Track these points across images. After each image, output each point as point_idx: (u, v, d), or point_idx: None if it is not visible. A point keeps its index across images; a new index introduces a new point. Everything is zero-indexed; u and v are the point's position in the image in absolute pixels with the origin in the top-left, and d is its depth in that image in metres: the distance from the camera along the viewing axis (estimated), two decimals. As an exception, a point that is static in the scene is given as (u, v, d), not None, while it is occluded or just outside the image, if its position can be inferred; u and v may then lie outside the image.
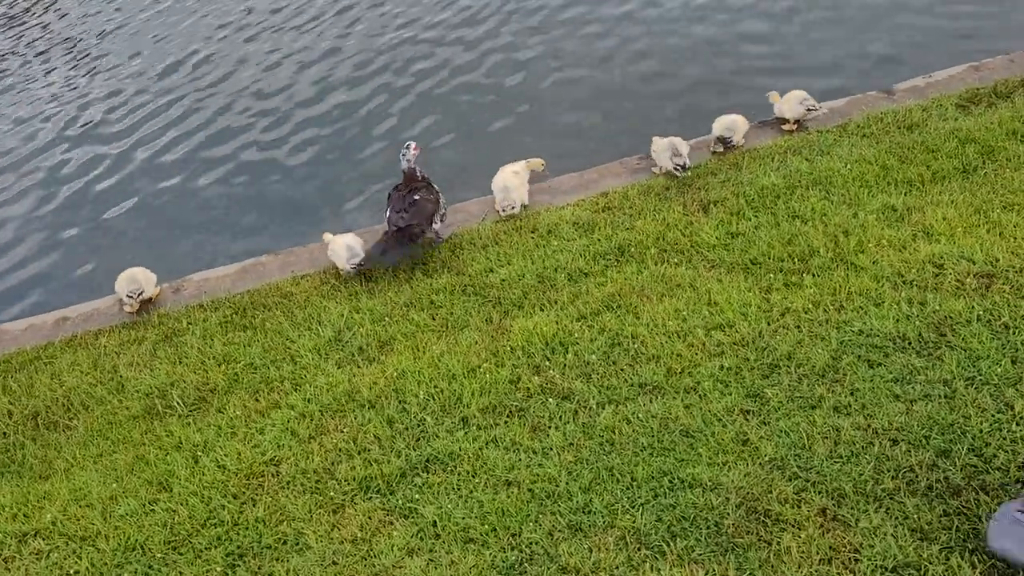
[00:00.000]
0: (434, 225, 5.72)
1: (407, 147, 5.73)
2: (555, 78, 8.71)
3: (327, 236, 5.85)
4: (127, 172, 8.54)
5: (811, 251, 4.86)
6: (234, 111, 9.16)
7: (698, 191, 5.83)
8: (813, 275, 4.66)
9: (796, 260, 4.82)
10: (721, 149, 6.24)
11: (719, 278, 4.86)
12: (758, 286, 4.68)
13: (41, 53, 11.66)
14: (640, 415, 3.88)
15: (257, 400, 4.68)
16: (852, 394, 3.75)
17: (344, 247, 5.62)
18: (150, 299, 5.77)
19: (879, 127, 6.10)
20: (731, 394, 3.89)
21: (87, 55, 11.32)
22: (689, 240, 5.28)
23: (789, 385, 3.88)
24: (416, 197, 5.63)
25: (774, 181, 5.69)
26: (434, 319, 5.07)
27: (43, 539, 3.99)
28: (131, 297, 5.61)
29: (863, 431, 3.54)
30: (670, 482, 3.48)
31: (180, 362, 5.15)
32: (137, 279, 5.68)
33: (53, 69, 11.13)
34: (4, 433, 4.84)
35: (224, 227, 7.53)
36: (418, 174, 5.73)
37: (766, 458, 3.50)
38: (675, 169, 5.99)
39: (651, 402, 3.97)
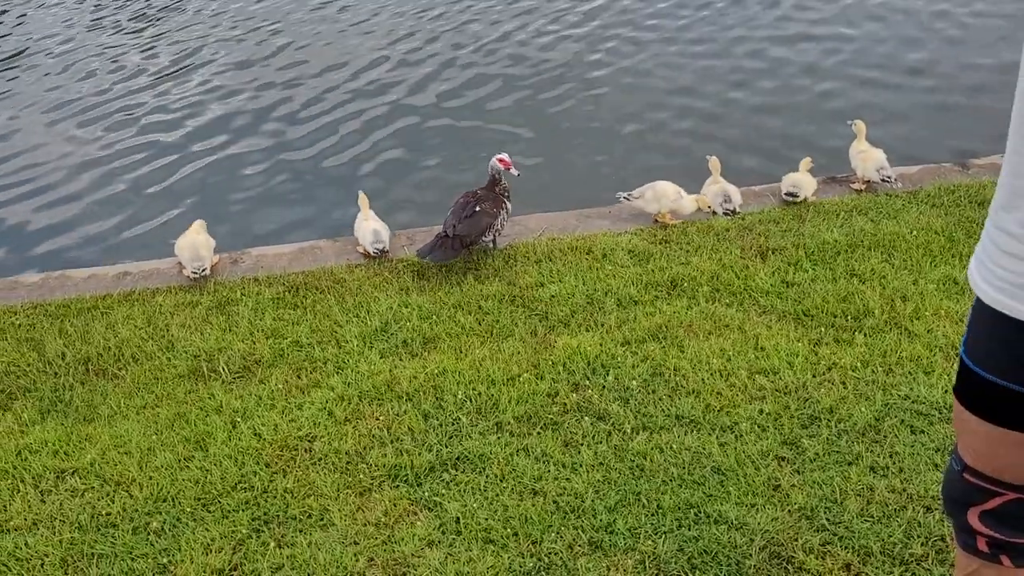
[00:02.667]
0: (485, 238, 5.80)
1: (496, 158, 5.89)
2: (646, 101, 8.78)
3: (360, 216, 6.09)
4: (205, 137, 8.78)
5: (866, 311, 4.84)
6: (327, 93, 9.36)
7: (758, 237, 5.83)
8: (865, 334, 4.64)
9: (849, 318, 4.80)
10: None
11: (769, 324, 4.86)
12: (808, 337, 4.67)
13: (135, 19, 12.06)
14: (674, 446, 3.89)
15: (299, 377, 4.78)
16: (891, 456, 3.72)
17: (371, 231, 5.91)
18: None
19: (950, 199, 6.05)
20: (768, 439, 3.89)
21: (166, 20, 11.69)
22: (743, 283, 5.29)
23: (827, 438, 3.86)
24: (477, 208, 5.73)
25: (836, 237, 5.67)
26: (480, 324, 5.14)
27: (80, 478, 4.11)
28: (195, 273, 5.78)
29: (898, 494, 3.51)
30: (696, 515, 3.48)
31: (230, 330, 5.28)
32: (201, 255, 5.84)
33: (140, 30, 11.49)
34: (56, 373, 5.00)
35: (286, 205, 7.71)
36: (502, 182, 5.88)
37: (796, 506, 3.49)
38: (725, 214, 6.09)
39: (686, 435, 3.98)
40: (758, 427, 3.97)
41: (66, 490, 4.06)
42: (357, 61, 10.01)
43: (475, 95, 9.17)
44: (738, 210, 6.14)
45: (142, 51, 10.86)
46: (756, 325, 4.85)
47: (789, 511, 3.47)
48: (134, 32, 11.54)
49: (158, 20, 11.80)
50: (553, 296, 5.31)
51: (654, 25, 10.35)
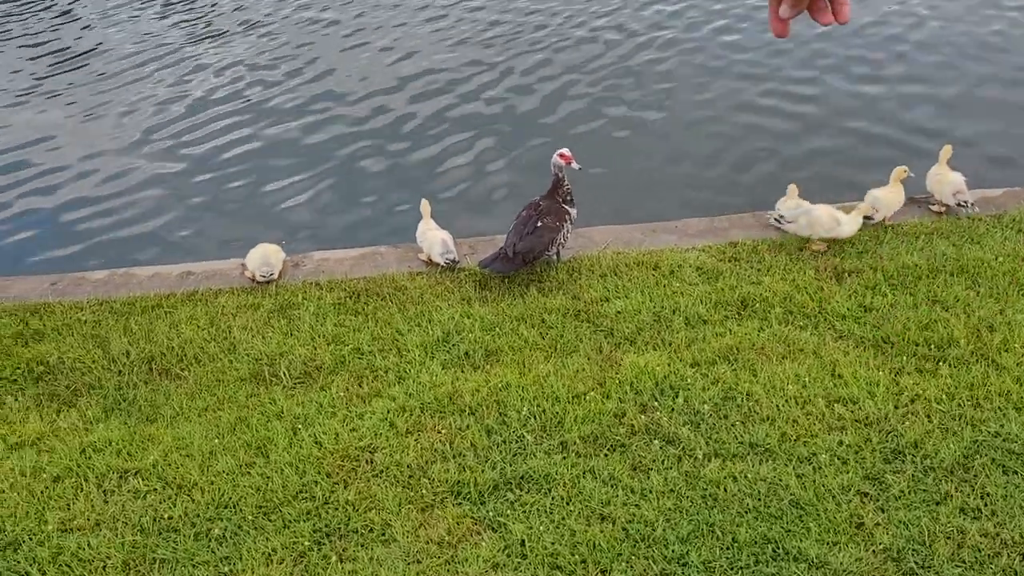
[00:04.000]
0: (548, 252, 5.69)
1: (557, 154, 5.75)
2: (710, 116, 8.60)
3: (423, 224, 6.03)
4: (268, 140, 8.83)
5: (950, 340, 4.62)
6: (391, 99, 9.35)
7: (833, 257, 5.63)
8: (950, 365, 4.43)
9: (932, 347, 4.59)
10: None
11: (846, 350, 4.67)
12: (888, 366, 4.47)
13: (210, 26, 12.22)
14: (748, 475, 3.74)
15: (360, 385, 4.72)
16: (982, 498, 3.52)
17: (440, 241, 5.85)
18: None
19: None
20: (849, 473, 3.71)
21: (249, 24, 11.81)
22: (818, 306, 5.10)
23: (913, 475, 3.67)
24: (539, 224, 5.62)
25: (916, 261, 5.45)
26: (543, 338, 5.03)
27: (142, 479, 4.10)
28: (263, 277, 5.78)
29: (991, 539, 3.32)
30: (774, 551, 3.33)
31: (291, 335, 5.25)
32: (270, 261, 5.85)
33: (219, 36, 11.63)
34: (120, 372, 5.02)
35: (347, 210, 7.69)
36: (565, 185, 5.74)
37: (881, 547, 3.31)
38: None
39: (761, 464, 3.82)
40: (838, 459, 3.80)
41: (128, 491, 4.04)
42: (416, 66, 10.00)
43: (539, 101, 9.07)
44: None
45: (212, 52, 10.99)
46: (832, 350, 4.66)
47: (874, 551, 3.29)
48: (203, 37, 11.70)
49: (228, 24, 11.94)
50: (619, 312, 5.18)
51: (729, 42, 10.14)
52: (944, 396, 4.17)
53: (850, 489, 3.61)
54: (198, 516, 3.81)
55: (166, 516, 3.84)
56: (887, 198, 5.93)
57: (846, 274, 5.41)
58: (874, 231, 5.95)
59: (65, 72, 10.81)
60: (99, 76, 10.52)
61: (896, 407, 4.13)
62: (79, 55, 11.28)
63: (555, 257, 5.77)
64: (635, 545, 3.42)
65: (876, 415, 4.07)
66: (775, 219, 5.98)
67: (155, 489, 4.04)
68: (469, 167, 8.07)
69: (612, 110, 8.81)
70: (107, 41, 11.64)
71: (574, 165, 5.75)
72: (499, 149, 8.27)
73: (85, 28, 12.29)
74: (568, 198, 5.76)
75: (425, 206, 6.17)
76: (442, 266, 5.81)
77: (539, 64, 9.77)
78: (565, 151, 5.76)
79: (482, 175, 7.94)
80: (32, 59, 11.38)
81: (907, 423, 4.00)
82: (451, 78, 9.66)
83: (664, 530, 3.47)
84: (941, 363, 4.44)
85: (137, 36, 11.67)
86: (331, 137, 8.78)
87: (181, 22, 12.16)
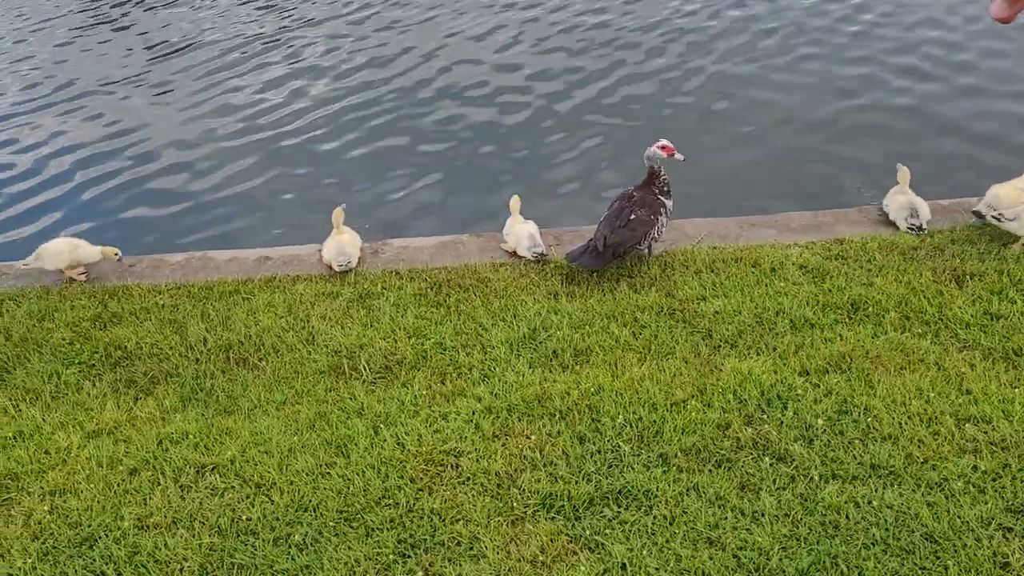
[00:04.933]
0: (641, 245, 5.36)
1: (655, 144, 5.40)
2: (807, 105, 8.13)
3: (511, 220, 5.79)
4: (342, 126, 8.68)
5: (1092, 355, 4.17)
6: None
7: (951, 259, 5.18)
8: (1094, 383, 3.98)
9: (1073, 361, 4.15)
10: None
11: (972, 362, 4.25)
12: (1023, 382, 4.05)
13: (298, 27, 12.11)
14: (873, 501, 3.39)
15: (443, 383, 4.50)
16: None
17: (527, 235, 5.61)
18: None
19: None
20: (987, 503, 3.33)
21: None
22: (937, 312, 4.68)
23: (1064, 509, 3.28)
24: (632, 216, 5.29)
25: (1047, 263, 4.97)
26: (636, 338, 4.73)
27: (220, 475, 3.94)
28: (340, 267, 5.59)
29: None
30: (909, 591, 2.98)
31: (371, 326, 5.05)
32: (346, 251, 5.65)
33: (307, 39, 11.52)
34: (198, 360, 4.89)
35: (424, 194, 7.48)
36: (661, 176, 5.41)
37: (1032, 593, 2.94)
38: (909, 230, 5.44)
39: (885, 489, 3.47)
40: (974, 487, 3.42)
41: (206, 488, 3.89)
42: (494, 58, 9.71)
43: (622, 93, 8.70)
44: (925, 227, 5.50)
45: (286, 46, 10.87)
46: (957, 362, 4.25)
47: (1024, 599, 2.92)
48: (281, 30, 11.60)
49: (300, 18, 11.81)
50: (717, 312, 4.85)
51: (820, 25, 9.60)
52: (1092, 419, 3.74)
53: (990, 523, 3.24)
54: (277, 519, 3.64)
55: (244, 517, 3.67)
56: (1014, 192, 5.42)
57: (968, 277, 4.97)
58: (996, 230, 5.46)
59: (160, 62, 10.83)
60: (193, 67, 10.47)
61: (1036, 429, 3.72)
62: (172, 46, 11.29)
63: (647, 251, 5.45)
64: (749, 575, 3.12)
65: (1014, 438, 3.67)
66: (992, 217, 5.26)
67: (233, 487, 3.88)
68: (545, 158, 7.78)
69: (695, 101, 8.42)
70: (200, 32, 11.60)
71: (677, 156, 5.38)
72: (572, 142, 7.96)
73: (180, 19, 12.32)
74: (665, 189, 5.42)
75: (515, 202, 5.87)
76: (528, 259, 5.55)
77: (636, 59, 9.35)
78: (666, 142, 5.39)
79: (560, 166, 7.65)
80: (130, 50, 11.44)
81: (1051, 449, 3.59)
82: (544, 71, 9.35)
83: (781, 559, 3.15)
84: (1084, 381, 4.00)
85: (231, 26, 11.61)
86: (408, 125, 8.58)
87: (275, 9, 12.08)
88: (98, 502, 3.84)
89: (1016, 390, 3.96)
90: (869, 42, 9.16)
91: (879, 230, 5.63)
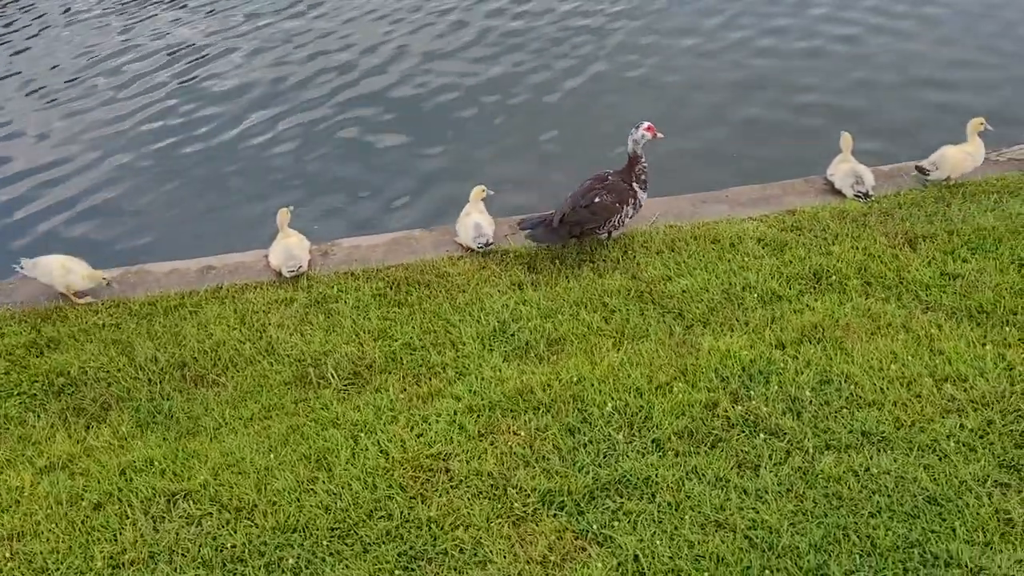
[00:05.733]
0: (600, 230, 5.29)
1: (637, 127, 5.17)
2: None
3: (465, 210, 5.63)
4: (281, 127, 8.35)
5: (1050, 307, 4.31)
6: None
7: (901, 222, 5.30)
8: (1057, 335, 4.12)
9: (1033, 315, 4.28)
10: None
11: (938, 323, 4.35)
12: (990, 339, 4.16)
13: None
14: (871, 469, 3.42)
15: (418, 384, 4.35)
16: None
17: (473, 225, 5.46)
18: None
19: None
20: (979, 461, 3.40)
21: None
22: (896, 275, 4.77)
23: (1053, 461, 3.36)
24: (596, 199, 5.19)
25: (992, 223, 5.13)
26: (608, 323, 4.68)
27: (193, 502, 3.71)
28: (291, 272, 5.34)
29: None
30: (921, 556, 3.01)
31: (333, 331, 4.85)
32: (295, 255, 5.40)
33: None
34: (150, 380, 4.61)
35: (370, 194, 7.25)
36: (641, 162, 5.22)
37: (1039, 545, 3.00)
38: (856, 197, 5.55)
39: (880, 455, 3.50)
40: (964, 446, 3.48)
41: (180, 517, 3.66)
42: (450, 45, 9.47)
43: (571, 81, 8.58)
44: (872, 193, 5.61)
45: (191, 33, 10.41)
46: (924, 324, 4.34)
47: (1033, 552, 2.98)
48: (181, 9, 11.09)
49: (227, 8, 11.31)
50: (684, 291, 4.83)
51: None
52: (1061, 370, 3.86)
53: (986, 480, 3.30)
54: (265, 543, 3.44)
55: (228, 545, 3.46)
56: (960, 155, 5.57)
57: (920, 239, 5.09)
58: (938, 191, 5.62)
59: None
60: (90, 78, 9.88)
61: (1011, 383, 3.82)
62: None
63: (606, 236, 5.39)
64: (764, 556, 3.09)
65: (992, 394, 3.76)
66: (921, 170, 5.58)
67: (210, 513, 3.66)
68: (511, 146, 7.65)
69: (644, 79, 8.41)
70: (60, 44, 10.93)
71: (660, 135, 5.23)
72: (537, 126, 7.83)
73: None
74: (642, 178, 5.25)
75: (477, 193, 5.68)
76: (476, 251, 5.41)
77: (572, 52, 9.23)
78: (649, 123, 5.17)
79: (523, 151, 7.52)
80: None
81: (1029, 402, 3.68)
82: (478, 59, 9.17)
83: (792, 537, 3.14)
84: (1048, 333, 4.13)
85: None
86: (346, 117, 8.31)
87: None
88: (63, 543, 3.57)
89: (986, 347, 4.05)
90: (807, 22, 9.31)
91: (827, 199, 5.72)
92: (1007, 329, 4.20)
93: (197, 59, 9.77)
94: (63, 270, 5.29)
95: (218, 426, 4.24)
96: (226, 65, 9.55)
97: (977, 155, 5.55)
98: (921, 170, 5.66)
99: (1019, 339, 4.14)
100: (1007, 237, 4.97)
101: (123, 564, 3.45)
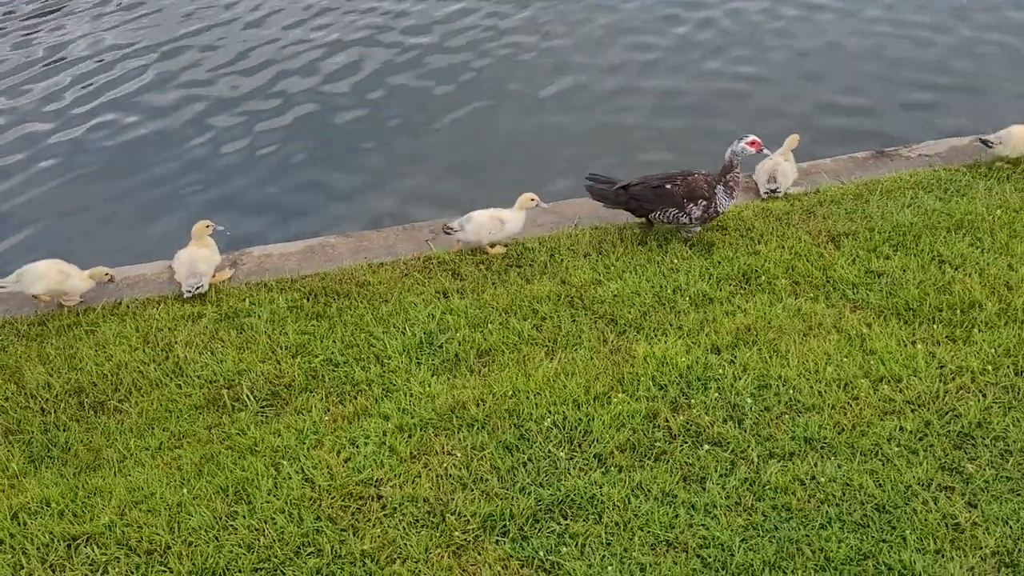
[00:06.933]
0: (654, 216, 5.13)
1: (741, 139, 4.99)
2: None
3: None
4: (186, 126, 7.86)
5: (972, 302, 4.38)
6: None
7: (823, 220, 5.32)
8: (980, 330, 4.17)
9: (957, 311, 4.34)
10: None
11: (868, 322, 4.36)
12: (918, 336, 4.19)
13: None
14: (816, 477, 3.36)
15: (342, 403, 4.09)
16: (1072, 481, 3.25)
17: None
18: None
19: (1019, 171, 5.64)
20: (922, 464, 3.39)
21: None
22: (823, 274, 4.78)
23: (991, 460, 3.38)
24: (667, 187, 5.04)
25: (910, 219, 5.21)
26: (539, 331, 4.51)
27: (98, 546, 3.37)
28: (190, 291, 4.94)
29: (1098, 529, 3.05)
30: (876, 568, 2.96)
31: (246, 348, 4.53)
32: (197, 271, 4.98)
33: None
34: (43, 409, 4.20)
35: (277, 200, 6.89)
36: (735, 171, 5.01)
37: (988, 550, 2.99)
38: (766, 195, 5.57)
39: (824, 462, 3.45)
40: (905, 449, 3.47)
41: (83, 564, 3.31)
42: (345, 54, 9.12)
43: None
44: (781, 191, 5.60)
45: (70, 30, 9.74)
46: (854, 323, 4.34)
47: (983, 557, 2.97)
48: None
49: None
50: (615, 295, 4.71)
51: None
52: (989, 367, 3.91)
53: (930, 484, 3.29)
54: (182, 590, 3.14)
55: (141, 594, 3.14)
56: (786, 166, 5.63)
57: (842, 236, 5.12)
58: (855, 188, 5.69)
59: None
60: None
61: (943, 382, 3.85)
62: None
63: (690, 232, 5.19)
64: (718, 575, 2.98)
65: (926, 394, 3.77)
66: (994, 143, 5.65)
67: (116, 559, 3.32)
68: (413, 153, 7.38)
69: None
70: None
71: (765, 152, 5.09)
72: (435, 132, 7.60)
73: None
74: (730, 185, 5.02)
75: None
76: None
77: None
78: (755, 138, 4.99)
79: (429, 155, 7.28)
80: None
81: (962, 401, 3.71)
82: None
83: (746, 554, 3.05)
84: (972, 329, 4.19)
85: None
86: (248, 121, 7.88)
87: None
88: (-53, 603, 3.18)
89: (917, 347, 4.07)
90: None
91: (752, 198, 5.70)
92: (935, 326, 4.23)
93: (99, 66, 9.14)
94: (60, 275, 4.83)
95: (122, 458, 3.88)
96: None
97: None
98: (985, 143, 5.70)
99: (947, 336, 4.18)
100: (925, 233, 5.05)
101: (18, 623, 3.09)
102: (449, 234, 5.17)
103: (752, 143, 5.00)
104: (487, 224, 5.11)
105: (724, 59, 8.44)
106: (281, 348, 4.50)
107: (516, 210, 5.19)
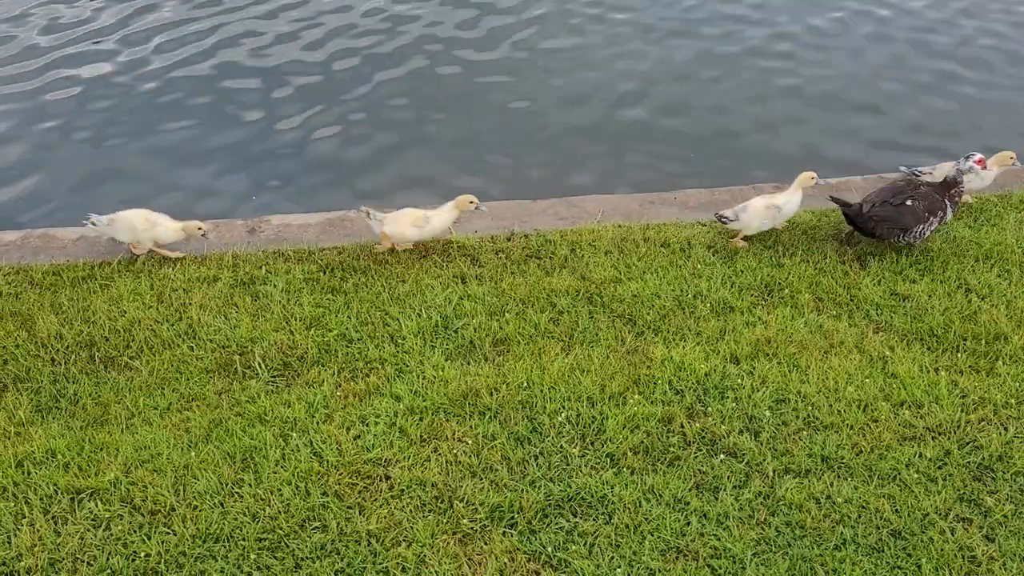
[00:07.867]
0: (905, 235, 4.95)
1: (968, 157, 5.04)
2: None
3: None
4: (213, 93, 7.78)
5: (998, 334, 4.33)
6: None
7: (852, 237, 5.26)
8: (1005, 363, 4.12)
9: (982, 342, 4.28)
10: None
11: (891, 345, 4.30)
12: (941, 364, 4.14)
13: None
14: (833, 497, 3.31)
15: (354, 380, 4.05)
16: (1091, 523, 3.21)
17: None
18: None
19: (1050, 207, 5.58)
20: (941, 493, 3.34)
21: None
22: (847, 293, 4.72)
23: (1010, 495, 3.34)
24: (908, 203, 4.94)
25: (938, 245, 5.14)
26: (556, 325, 4.47)
27: (102, 502, 3.33)
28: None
29: (1115, 574, 3.00)
30: (890, 594, 2.92)
31: (261, 316, 4.49)
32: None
33: None
34: (53, 360, 4.16)
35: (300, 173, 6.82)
36: (960, 185, 5.02)
37: (1003, 586, 2.95)
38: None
39: (841, 482, 3.40)
40: (924, 477, 3.42)
41: (86, 519, 3.28)
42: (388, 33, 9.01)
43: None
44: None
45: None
46: (876, 344, 4.29)
47: (997, 592, 2.93)
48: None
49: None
50: (635, 296, 4.66)
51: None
52: (1012, 400, 3.86)
53: (948, 514, 3.24)
54: (183, 554, 3.10)
55: (142, 554, 3.11)
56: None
57: (869, 257, 5.06)
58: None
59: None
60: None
61: (965, 412, 3.80)
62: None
63: (907, 244, 5.08)
64: (728, 588, 2.94)
65: (948, 422, 3.72)
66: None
67: (120, 516, 3.29)
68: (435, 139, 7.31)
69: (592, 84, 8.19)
70: None
71: (987, 167, 5.21)
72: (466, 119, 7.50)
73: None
74: (956, 199, 5.03)
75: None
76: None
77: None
78: (980, 155, 5.10)
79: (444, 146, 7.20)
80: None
81: (983, 433, 3.66)
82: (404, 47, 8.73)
83: (757, 569, 3.01)
84: (997, 361, 4.14)
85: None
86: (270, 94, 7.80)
87: None
88: (-55, 546, 3.14)
89: (940, 374, 4.02)
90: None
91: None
92: (958, 355, 4.18)
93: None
94: (147, 223, 4.86)
95: (130, 416, 3.84)
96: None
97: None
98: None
99: (970, 366, 4.12)
100: (952, 260, 4.99)
101: (18, 572, 3.05)
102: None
103: (978, 161, 5.14)
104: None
105: (758, 66, 8.34)
106: (295, 319, 4.45)
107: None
